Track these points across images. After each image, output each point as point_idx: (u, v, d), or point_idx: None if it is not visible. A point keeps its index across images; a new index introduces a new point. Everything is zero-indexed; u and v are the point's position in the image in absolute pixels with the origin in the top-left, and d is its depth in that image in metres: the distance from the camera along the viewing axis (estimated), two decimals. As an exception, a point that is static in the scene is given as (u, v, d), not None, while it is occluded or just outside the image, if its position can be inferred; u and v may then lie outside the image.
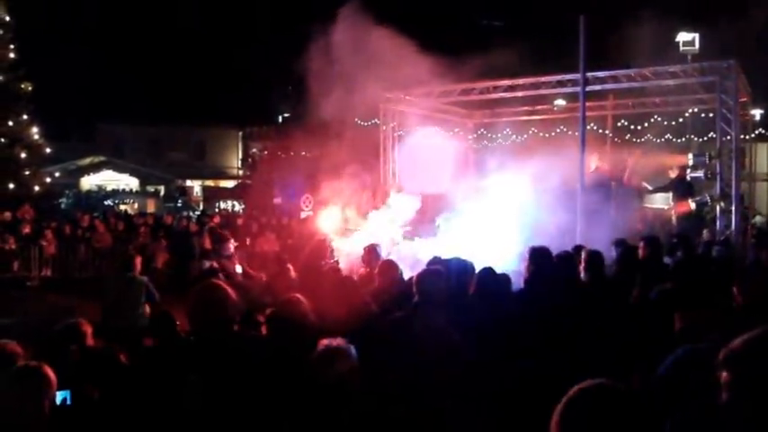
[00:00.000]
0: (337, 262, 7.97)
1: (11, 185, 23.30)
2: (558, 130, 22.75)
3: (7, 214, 20.18)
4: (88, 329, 4.30)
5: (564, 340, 5.00)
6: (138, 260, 8.73)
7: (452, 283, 5.97)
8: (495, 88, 16.98)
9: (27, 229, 18.80)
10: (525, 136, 23.59)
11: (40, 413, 2.98)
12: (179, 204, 36.96)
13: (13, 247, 18.18)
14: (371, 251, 7.53)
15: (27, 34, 25.27)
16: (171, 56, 42.22)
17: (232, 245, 9.53)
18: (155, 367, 4.05)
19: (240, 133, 46.28)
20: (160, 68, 42.24)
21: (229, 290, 3.88)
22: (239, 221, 22.14)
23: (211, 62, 42.28)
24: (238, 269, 8.97)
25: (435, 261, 6.55)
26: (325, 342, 3.39)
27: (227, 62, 41.57)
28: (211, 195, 40.66)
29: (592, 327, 5.21)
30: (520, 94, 17.25)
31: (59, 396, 3.19)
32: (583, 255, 6.49)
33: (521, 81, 16.48)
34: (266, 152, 37.21)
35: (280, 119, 41.18)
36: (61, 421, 3.09)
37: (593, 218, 10.41)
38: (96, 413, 3.41)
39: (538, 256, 5.82)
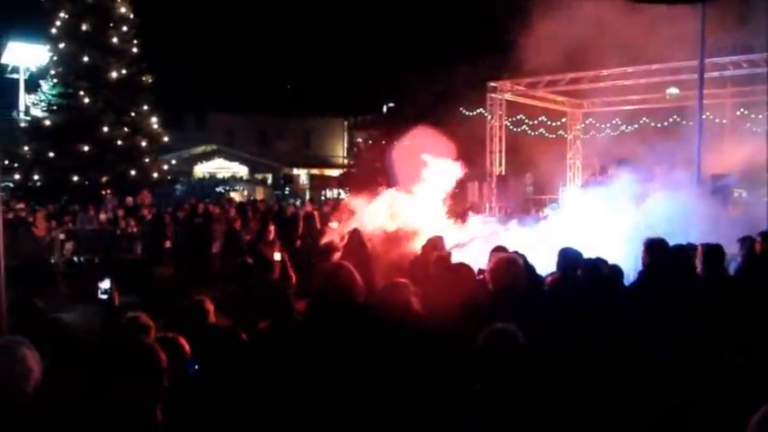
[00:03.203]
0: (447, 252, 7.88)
1: (132, 172, 24.64)
2: (671, 120, 21.90)
3: (129, 199, 21.39)
4: (211, 307, 4.54)
5: (676, 336, 4.87)
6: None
7: (557, 273, 5.94)
8: (607, 77, 16.54)
9: (147, 214, 19.80)
10: (636, 126, 22.85)
11: (176, 381, 3.20)
12: (286, 192, 38.02)
13: (135, 230, 19.23)
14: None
15: (147, 29, 26.59)
16: (277, 47, 43.30)
17: (272, 232, 9.48)
18: (271, 348, 4.24)
19: (345, 123, 47.02)
20: (267, 59, 43.34)
21: (355, 273, 3.99)
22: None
23: (317, 52, 43.06)
24: (276, 257, 8.61)
25: (499, 248, 6.49)
26: (497, 325, 3.45)
27: (333, 52, 42.27)
28: (317, 184, 41.60)
29: (708, 324, 5.04)
30: (630, 82, 16.76)
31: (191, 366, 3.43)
32: (699, 249, 6.22)
33: (633, 69, 15.98)
34: (371, 141, 37.57)
35: (384, 108, 41.48)
36: (192, 390, 3.30)
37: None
38: (222, 386, 3.61)
39: (655, 249, 5.63)
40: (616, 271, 6.26)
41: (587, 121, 23.09)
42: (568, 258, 5.84)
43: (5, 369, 2.85)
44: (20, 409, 2.79)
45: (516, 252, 6.02)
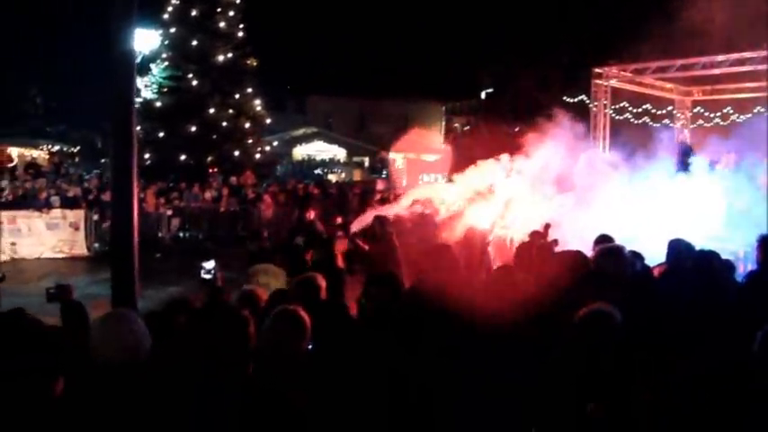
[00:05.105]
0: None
1: (236, 153, 25.43)
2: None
3: (233, 179, 22.12)
4: (323, 284, 4.67)
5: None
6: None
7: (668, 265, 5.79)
8: (720, 63, 15.74)
9: (250, 194, 20.44)
10: (749, 115, 21.71)
11: (298, 353, 3.34)
12: (383, 175, 38.26)
13: (237, 209, 19.93)
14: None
15: (251, 13, 27.25)
16: (377, 31, 43.42)
17: (312, 214, 9.65)
18: (378, 325, 4.33)
19: (443, 107, 46.84)
20: (366, 43, 43.61)
21: (456, 254, 4.05)
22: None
23: (417, 36, 43.02)
24: (298, 240, 8.96)
25: (604, 238, 6.33)
26: (594, 306, 3.49)
27: (433, 36, 42.14)
28: (414, 168, 41.59)
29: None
30: (747, 68, 15.88)
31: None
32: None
33: (751, 54, 15.14)
34: (468, 127, 37.43)
35: (483, 94, 41.13)
36: (310, 364, 3.43)
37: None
38: (335, 363, 3.72)
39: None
40: (729, 266, 6.05)
41: (695, 110, 22.15)
42: (679, 250, 5.69)
43: (119, 338, 3.06)
44: (132, 375, 2.98)
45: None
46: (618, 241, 6.04)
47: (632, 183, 11.05)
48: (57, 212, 16.91)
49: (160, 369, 3.13)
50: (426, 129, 47.65)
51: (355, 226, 9.86)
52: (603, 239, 6.31)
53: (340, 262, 7.49)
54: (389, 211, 9.92)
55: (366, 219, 9.67)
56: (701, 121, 22.13)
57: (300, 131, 42.52)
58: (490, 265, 6.55)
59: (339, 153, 41.95)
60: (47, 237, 16.66)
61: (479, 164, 10.59)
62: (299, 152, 41.64)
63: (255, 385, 3.27)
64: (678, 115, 21.71)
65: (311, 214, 11.82)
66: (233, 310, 4.52)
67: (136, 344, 3.04)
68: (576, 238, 7.71)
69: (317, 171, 36.47)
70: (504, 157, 10.65)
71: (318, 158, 40.26)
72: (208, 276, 5.05)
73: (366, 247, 8.25)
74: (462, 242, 7.77)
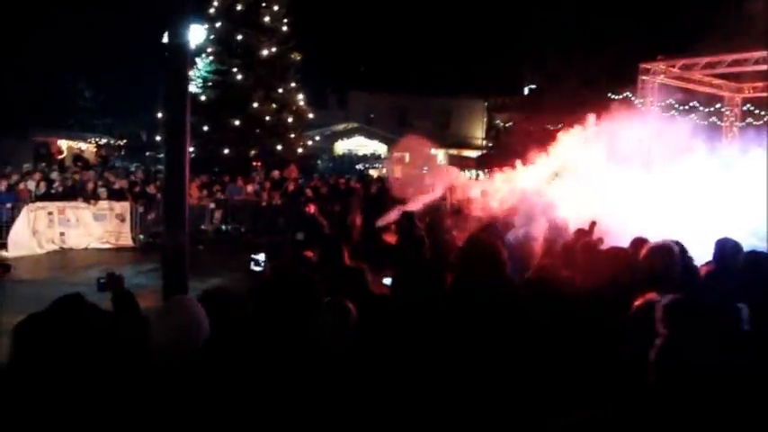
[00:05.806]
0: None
1: (279, 147, 25.64)
2: None
3: (276, 173, 22.31)
4: (370, 277, 4.70)
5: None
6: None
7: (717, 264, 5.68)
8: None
9: (291, 187, 20.59)
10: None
11: (342, 342, 3.39)
12: (424, 171, 38.19)
13: (279, 203, 20.08)
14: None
15: (295, 8, 27.36)
16: (419, 27, 43.25)
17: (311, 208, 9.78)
18: (422, 317, 4.34)
19: (485, 104, 46.56)
20: (407, 38, 43.48)
21: (501, 247, 4.05)
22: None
23: (458, 32, 42.74)
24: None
25: (640, 240, 6.19)
26: (650, 296, 3.48)
27: (475, 32, 41.83)
28: (455, 164, 41.45)
29: None
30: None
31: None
32: None
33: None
34: (511, 123, 37.15)
35: (526, 90, 40.76)
36: (356, 350, 3.47)
37: None
38: (383, 349, 3.74)
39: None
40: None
41: (744, 107, 21.65)
42: (727, 250, 5.59)
43: (180, 323, 3.13)
44: (191, 360, 3.05)
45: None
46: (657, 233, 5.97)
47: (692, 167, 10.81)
48: (104, 204, 17.27)
49: (221, 354, 3.21)
50: (468, 125, 47.54)
51: (381, 221, 9.90)
52: (640, 240, 6.22)
53: (347, 259, 7.44)
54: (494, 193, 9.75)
55: (393, 214, 9.69)
56: (750, 119, 21.63)
57: (341, 126, 42.67)
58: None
59: (380, 148, 41.99)
60: (94, 227, 17.03)
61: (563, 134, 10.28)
62: (341, 147, 41.80)
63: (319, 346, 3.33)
64: (727, 113, 21.25)
65: (311, 209, 11.90)
66: (302, 271, 4.60)
67: (198, 330, 3.12)
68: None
69: (359, 166, 36.61)
70: (592, 119, 10.37)
71: (359, 153, 40.37)
72: (258, 269, 5.11)
73: (392, 242, 8.26)
74: None
